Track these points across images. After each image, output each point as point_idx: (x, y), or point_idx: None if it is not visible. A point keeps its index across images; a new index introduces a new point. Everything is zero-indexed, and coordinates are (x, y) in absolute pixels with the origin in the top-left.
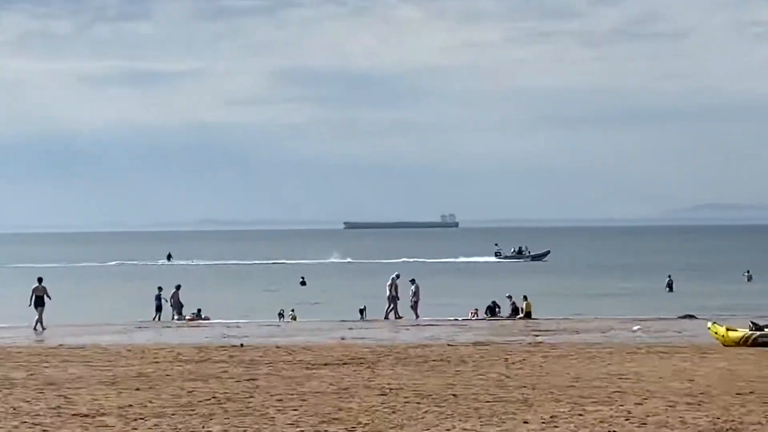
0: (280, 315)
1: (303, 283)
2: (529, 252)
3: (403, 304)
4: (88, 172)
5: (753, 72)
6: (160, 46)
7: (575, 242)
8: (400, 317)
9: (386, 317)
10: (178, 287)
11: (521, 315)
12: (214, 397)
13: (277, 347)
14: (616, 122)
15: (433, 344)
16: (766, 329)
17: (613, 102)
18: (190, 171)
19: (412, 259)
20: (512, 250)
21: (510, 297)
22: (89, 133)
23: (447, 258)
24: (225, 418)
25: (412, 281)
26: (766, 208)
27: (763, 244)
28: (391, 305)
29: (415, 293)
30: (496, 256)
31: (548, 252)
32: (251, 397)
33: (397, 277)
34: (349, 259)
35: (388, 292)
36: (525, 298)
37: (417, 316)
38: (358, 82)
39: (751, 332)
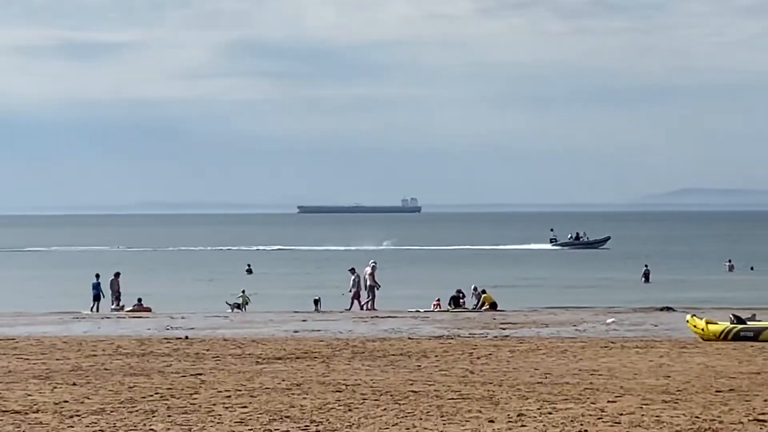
0: (238, 306)
1: (249, 272)
2: (587, 238)
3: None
4: (17, 149)
5: (737, 48)
6: (101, 15)
7: (547, 229)
8: (374, 308)
9: (364, 307)
10: (117, 275)
11: (486, 306)
12: (156, 393)
13: (225, 340)
14: (592, 101)
15: (393, 337)
16: (748, 322)
17: (589, 79)
18: (130, 150)
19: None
20: (569, 236)
21: (476, 288)
22: (21, 107)
23: (495, 245)
24: (168, 416)
25: (352, 270)
26: (747, 193)
27: (746, 231)
28: (370, 295)
29: (357, 284)
30: (551, 242)
31: (608, 238)
32: (196, 393)
33: (375, 265)
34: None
35: (367, 281)
36: (483, 291)
37: (355, 307)
38: (317, 56)
39: (732, 326)
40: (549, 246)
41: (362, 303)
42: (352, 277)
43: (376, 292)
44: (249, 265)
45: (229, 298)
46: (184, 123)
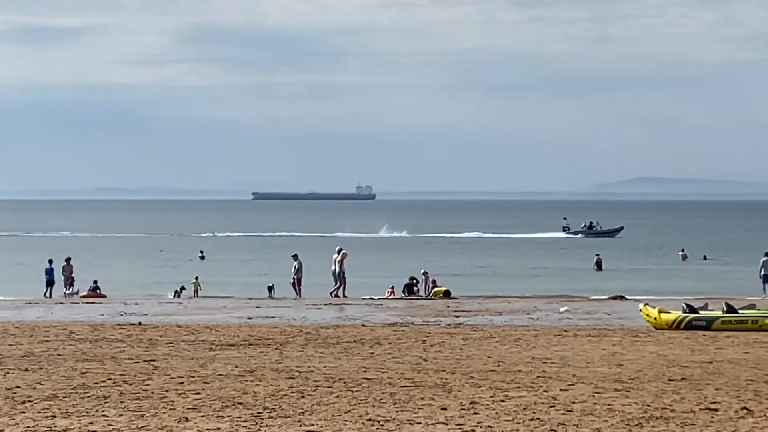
0: (177, 293)
1: (202, 258)
2: (600, 227)
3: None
4: None
5: (694, 39)
6: (57, 0)
7: (498, 218)
8: (345, 296)
9: (335, 295)
10: (68, 260)
11: (439, 296)
12: (109, 379)
13: (178, 326)
14: (546, 90)
15: (347, 325)
16: (700, 312)
17: (544, 68)
18: (85, 135)
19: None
20: (582, 225)
21: (426, 274)
22: None
23: (510, 233)
24: (121, 402)
25: (295, 257)
26: (701, 182)
27: (699, 220)
28: (339, 282)
29: (298, 270)
30: (564, 231)
31: (621, 228)
32: (149, 379)
33: (345, 252)
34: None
35: (337, 268)
36: (434, 282)
37: (299, 295)
38: (273, 42)
39: (684, 315)
40: (562, 235)
41: (332, 290)
42: (294, 263)
43: (347, 279)
44: (202, 252)
45: (182, 285)
46: (139, 108)
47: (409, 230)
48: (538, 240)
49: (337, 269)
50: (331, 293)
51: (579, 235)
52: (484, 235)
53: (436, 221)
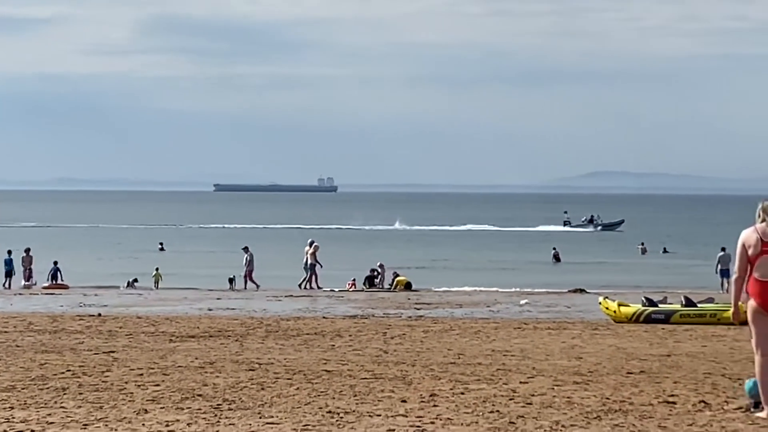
0: (130, 284)
1: (162, 249)
2: (601, 221)
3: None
4: None
5: (654, 33)
6: None
7: (458, 210)
8: (319, 287)
9: (306, 287)
10: (27, 251)
11: (400, 288)
12: (68, 371)
13: (138, 317)
14: (509, 83)
15: (307, 317)
16: (659, 305)
17: (506, 61)
18: (48, 125)
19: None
20: (583, 219)
21: (382, 266)
22: None
23: (522, 227)
24: (80, 393)
25: (245, 249)
26: (660, 176)
27: (659, 214)
28: (310, 273)
29: (249, 262)
30: (564, 225)
31: (622, 221)
32: (109, 370)
33: (316, 244)
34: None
35: (309, 260)
36: (396, 275)
37: (249, 286)
38: (236, 33)
39: (644, 308)
40: (563, 228)
41: (301, 282)
42: (246, 255)
43: (318, 271)
44: (161, 243)
45: (135, 276)
46: (102, 99)
47: (409, 223)
48: (539, 234)
49: (309, 261)
50: (300, 285)
51: (580, 229)
52: (492, 227)
53: (416, 214)
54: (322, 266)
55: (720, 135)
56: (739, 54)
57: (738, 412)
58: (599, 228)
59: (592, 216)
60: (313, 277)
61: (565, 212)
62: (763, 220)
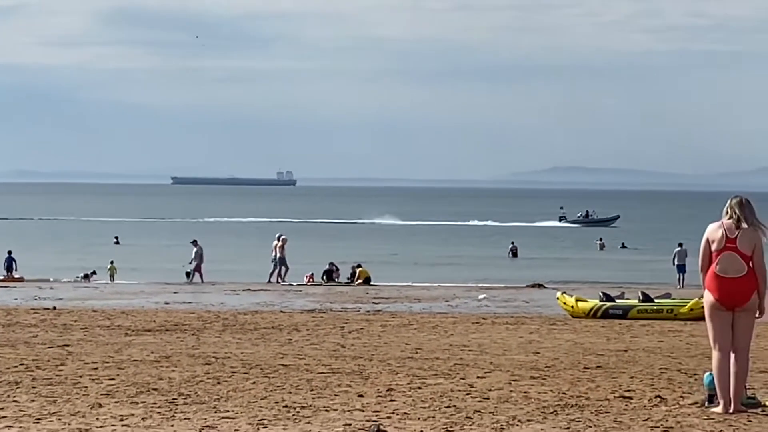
0: (86, 276)
1: (117, 243)
2: (596, 216)
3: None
4: None
5: (612, 29)
6: None
7: (417, 205)
8: (283, 281)
9: (274, 281)
10: None
11: (360, 281)
12: (22, 364)
13: (94, 311)
14: (469, 78)
15: (265, 311)
16: (617, 300)
17: (468, 56)
18: (4, 117)
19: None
20: (578, 214)
21: (332, 264)
22: None
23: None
24: (33, 387)
25: (194, 243)
26: (619, 172)
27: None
28: (280, 267)
29: (199, 256)
30: (560, 220)
31: (617, 216)
32: (63, 364)
33: (285, 238)
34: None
35: (277, 254)
36: (359, 265)
37: (201, 280)
38: (198, 26)
39: (601, 303)
40: (558, 224)
41: (270, 276)
42: (194, 249)
43: (288, 265)
44: (116, 237)
45: (93, 269)
46: (61, 91)
47: (401, 217)
48: (535, 229)
49: (278, 255)
50: (269, 279)
51: (576, 224)
52: (499, 223)
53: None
54: (284, 259)
55: (676, 131)
56: (695, 50)
57: (693, 407)
58: (596, 223)
59: (587, 211)
60: (282, 270)
61: (561, 208)
62: (731, 217)
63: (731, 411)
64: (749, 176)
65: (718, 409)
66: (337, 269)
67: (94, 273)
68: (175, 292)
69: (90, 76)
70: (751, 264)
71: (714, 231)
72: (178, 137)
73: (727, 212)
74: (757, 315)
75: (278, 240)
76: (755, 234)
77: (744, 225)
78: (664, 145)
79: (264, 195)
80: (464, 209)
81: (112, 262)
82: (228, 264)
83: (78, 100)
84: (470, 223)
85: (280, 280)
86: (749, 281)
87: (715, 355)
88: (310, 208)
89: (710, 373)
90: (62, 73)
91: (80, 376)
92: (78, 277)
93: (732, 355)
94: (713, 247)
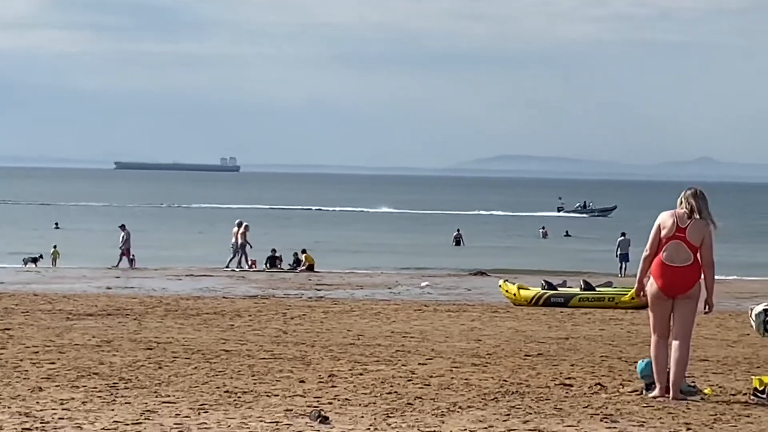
0: (34, 260)
1: (57, 228)
2: (594, 207)
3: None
4: None
5: (560, 18)
6: None
7: (365, 192)
8: (249, 267)
9: (233, 267)
10: None
11: (303, 267)
12: None
13: (35, 295)
14: (415, 65)
15: (207, 296)
16: (559, 288)
17: (414, 43)
18: None
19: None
20: (576, 205)
21: (275, 250)
22: None
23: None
24: None
25: (122, 227)
26: (567, 161)
27: (564, 198)
28: (242, 254)
29: (126, 240)
30: (558, 210)
31: (615, 207)
32: (3, 348)
33: (246, 224)
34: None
35: (239, 240)
36: (304, 251)
37: (129, 265)
38: (141, 9)
39: (543, 291)
40: (557, 214)
41: (228, 262)
42: (122, 234)
43: (248, 251)
44: (56, 223)
45: (40, 253)
46: (2, 75)
47: (393, 206)
48: (532, 218)
49: (239, 241)
50: (227, 265)
51: (574, 214)
52: (502, 212)
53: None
54: (252, 246)
55: (623, 121)
56: (642, 39)
57: (633, 394)
58: (594, 214)
59: (585, 202)
60: (243, 257)
61: (560, 198)
62: (685, 207)
63: (670, 397)
64: (691, 166)
65: (655, 392)
66: (280, 257)
67: (40, 257)
68: (117, 277)
69: (33, 60)
70: (698, 255)
71: (666, 219)
72: (122, 122)
73: (681, 202)
74: (705, 310)
75: (239, 227)
76: (705, 227)
77: (696, 216)
78: (608, 135)
79: (208, 181)
80: (433, 198)
81: (55, 247)
82: (171, 250)
83: (20, 84)
84: (475, 212)
85: (244, 266)
86: (693, 271)
87: (653, 340)
88: (254, 195)
89: (643, 361)
90: (6, 56)
91: (21, 360)
92: (25, 260)
93: (673, 343)
94: (663, 233)
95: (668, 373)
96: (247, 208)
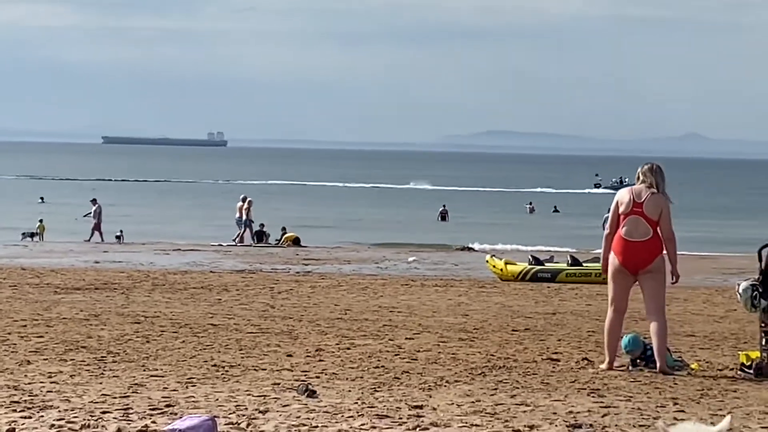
0: (32, 234)
1: (42, 202)
2: (629, 183)
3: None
4: None
5: None
6: None
7: (347, 167)
8: (242, 243)
9: (242, 242)
10: None
11: (288, 243)
12: None
13: (23, 269)
14: (401, 40)
15: (195, 270)
16: (546, 264)
17: (400, 18)
18: None
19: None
20: (613, 180)
21: (263, 225)
22: None
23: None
24: None
25: (94, 201)
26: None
27: (551, 174)
28: (245, 229)
29: (98, 214)
30: (596, 187)
31: None
32: None
33: (250, 200)
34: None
35: (243, 216)
36: (283, 229)
37: (101, 239)
38: None
39: (530, 266)
40: (594, 191)
41: (234, 237)
42: (94, 207)
43: (252, 227)
44: (42, 197)
45: (33, 230)
46: None
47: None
48: (569, 195)
49: (244, 217)
50: (234, 240)
51: (611, 190)
52: (552, 190)
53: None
54: (253, 221)
55: (608, 97)
56: (629, 15)
57: (619, 369)
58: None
59: (621, 178)
60: (246, 233)
61: (597, 175)
62: (642, 182)
63: (657, 368)
64: (678, 142)
65: (603, 365)
66: (267, 232)
67: (38, 233)
68: (105, 252)
69: (19, 34)
70: (658, 229)
71: (623, 195)
72: (110, 97)
73: (638, 177)
74: (672, 281)
75: (243, 201)
76: (662, 200)
77: (653, 190)
78: (597, 111)
79: (195, 156)
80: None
81: (41, 221)
82: (158, 224)
83: (6, 58)
84: (526, 190)
85: (245, 242)
86: (653, 245)
87: (609, 313)
88: (242, 170)
89: (626, 336)
90: None
91: (9, 334)
92: (24, 234)
93: (650, 318)
94: (621, 209)
95: (644, 347)
96: (238, 184)
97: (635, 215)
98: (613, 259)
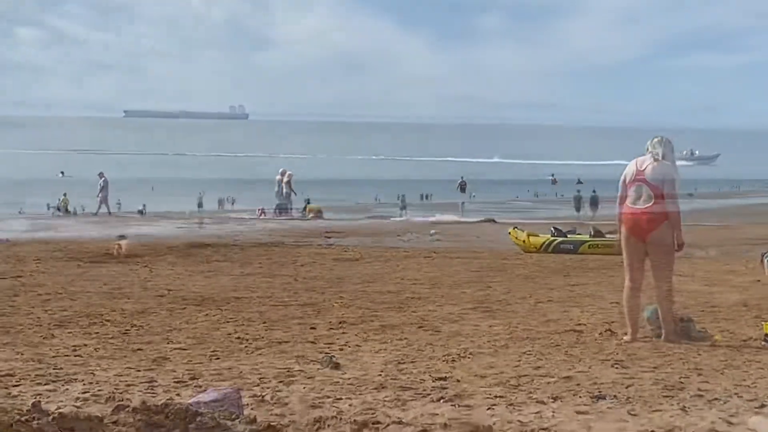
0: (58, 208)
1: (62, 175)
2: (699, 154)
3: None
4: None
5: None
6: None
7: (368, 142)
8: (258, 215)
9: (279, 213)
10: None
11: (312, 215)
12: None
13: (47, 243)
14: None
15: (217, 243)
16: (568, 235)
17: None
18: None
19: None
20: (683, 152)
21: (285, 172)
22: None
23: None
24: None
25: (101, 175)
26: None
27: (569, 145)
28: (287, 202)
29: (103, 188)
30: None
31: (718, 155)
32: (16, 295)
33: (291, 173)
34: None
35: (284, 189)
36: (307, 201)
37: (108, 212)
38: None
39: (552, 238)
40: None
41: (275, 208)
42: (100, 180)
43: (293, 198)
44: (62, 171)
45: (57, 206)
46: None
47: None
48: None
49: (284, 190)
50: (275, 211)
51: (680, 162)
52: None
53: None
54: (296, 194)
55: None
56: None
57: (643, 340)
58: (701, 161)
59: (690, 150)
60: (289, 204)
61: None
62: (650, 154)
63: (662, 337)
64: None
65: (626, 337)
66: (291, 204)
67: (66, 207)
68: (127, 225)
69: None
70: (662, 198)
71: (630, 166)
72: (128, 71)
73: (647, 149)
74: (676, 249)
75: (282, 175)
76: (667, 168)
77: (659, 158)
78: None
79: (216, 129)
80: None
81: (65, 194)
82: (179, 197)
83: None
84: (612, 162)
85: (288, 214)
86: (656, 213)
87: (626, 284)
88: (266, 142)
89: (649, 309)
90: None
91: (33, 307)
92: (57, 206)
93: (656, 286)
94: (627, 180)
95: (643, 318)
96: (257, 156)
97: (638, 183)
98: (622, 229)
